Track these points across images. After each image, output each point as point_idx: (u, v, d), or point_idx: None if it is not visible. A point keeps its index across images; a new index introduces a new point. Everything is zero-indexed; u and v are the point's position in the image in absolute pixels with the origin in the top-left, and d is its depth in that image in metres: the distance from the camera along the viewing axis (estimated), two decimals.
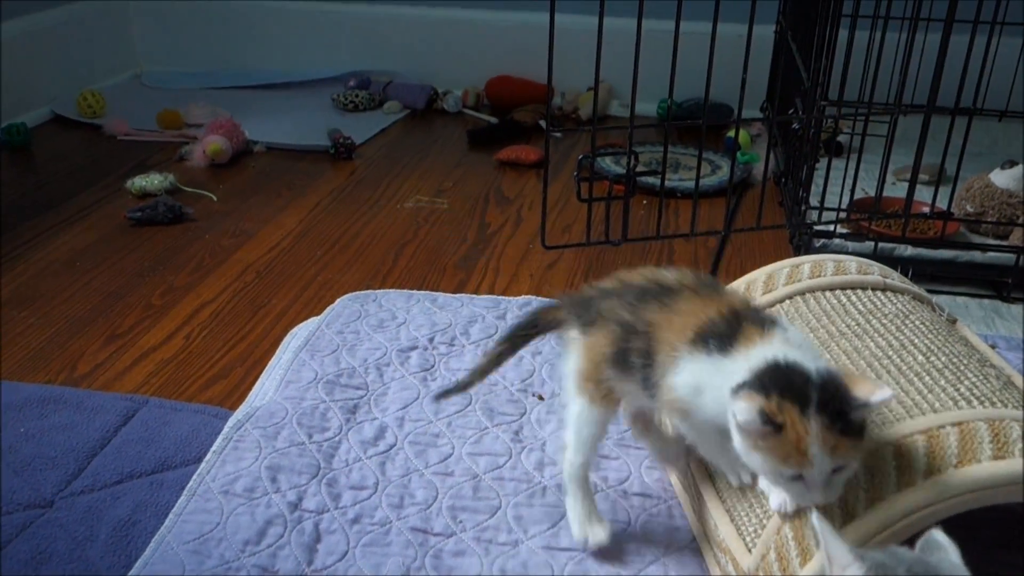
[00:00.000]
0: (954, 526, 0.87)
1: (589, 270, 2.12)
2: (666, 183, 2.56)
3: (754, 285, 1.32)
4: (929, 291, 2.07)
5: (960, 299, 2.02)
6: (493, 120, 3.16)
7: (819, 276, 1.29)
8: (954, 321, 1.31)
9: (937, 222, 2.09)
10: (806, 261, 1.33)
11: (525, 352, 1.68)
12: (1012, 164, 2.22)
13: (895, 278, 1.32)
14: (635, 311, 1.08)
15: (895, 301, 1.25)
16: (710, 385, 0.98)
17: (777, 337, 0.99)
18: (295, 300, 1.97)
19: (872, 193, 2.03)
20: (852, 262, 1.33)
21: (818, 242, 2.10)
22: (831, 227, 2.07)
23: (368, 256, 2.18)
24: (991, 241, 2.12)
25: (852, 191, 2.10)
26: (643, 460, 1.41)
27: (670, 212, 2.46)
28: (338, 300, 1.86)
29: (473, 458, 1.41)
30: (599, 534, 1.19)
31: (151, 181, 2.50)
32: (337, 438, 1.44)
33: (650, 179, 2.61)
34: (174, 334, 1.84)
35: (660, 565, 1.21)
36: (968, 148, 1.93)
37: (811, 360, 0.95)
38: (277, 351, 1.71)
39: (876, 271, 1.31)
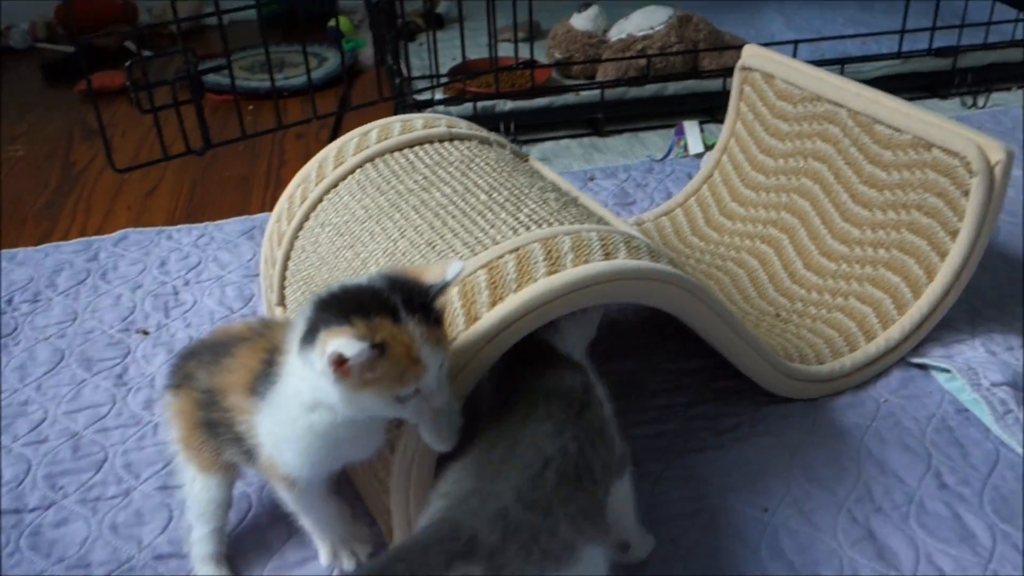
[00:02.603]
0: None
1: (194, 189, 1.96)
2: (264, 85, 2.43)
3: (325, 163, 1.26)
4: (532, 140, 2.16)
5: (563, 142, 2.10)
6: (69, 49, 2.82)
7: (387, 139, 1.25)
8: (526, 158, 1.33)
9: (530, 73, 2.14)
10: (374, 127, 1.28)
11: (123, 288, 1.53)
12: (587, 6, 2.32)
13: (463, 127, 1.31)
14: (210, 374, 0.94)
15: (461, 148, 1.24)
16: (289, 425, 0.86)
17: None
18: None
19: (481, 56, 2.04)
20: (419, 119, 1.30)
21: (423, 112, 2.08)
22: (430, 95, 2.06)
23: None
24: (582, 82, 2.21)
25: (435, 57, 2.08)
26: None
27: (281, 111, 2.33)
28: None
29: (71, 416, 1.26)
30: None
31: None
32: None
33: (247, 80, 2.46)
34: None
35: None
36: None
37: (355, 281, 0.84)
38: None
39: (443, 123, 1.29)
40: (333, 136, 2.10)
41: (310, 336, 0.79)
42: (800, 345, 1.27)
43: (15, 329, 1.44)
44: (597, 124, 2.11)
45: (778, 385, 1.19)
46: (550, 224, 1.03)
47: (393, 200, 1.13)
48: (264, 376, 0.88)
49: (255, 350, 0.91)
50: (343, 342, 0.74)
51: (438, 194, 1.12)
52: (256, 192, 1.93)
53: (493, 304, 0.92)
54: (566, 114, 2.12)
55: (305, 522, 0.99)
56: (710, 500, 1.09)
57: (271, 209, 1.79)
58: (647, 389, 1.27)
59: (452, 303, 0.94)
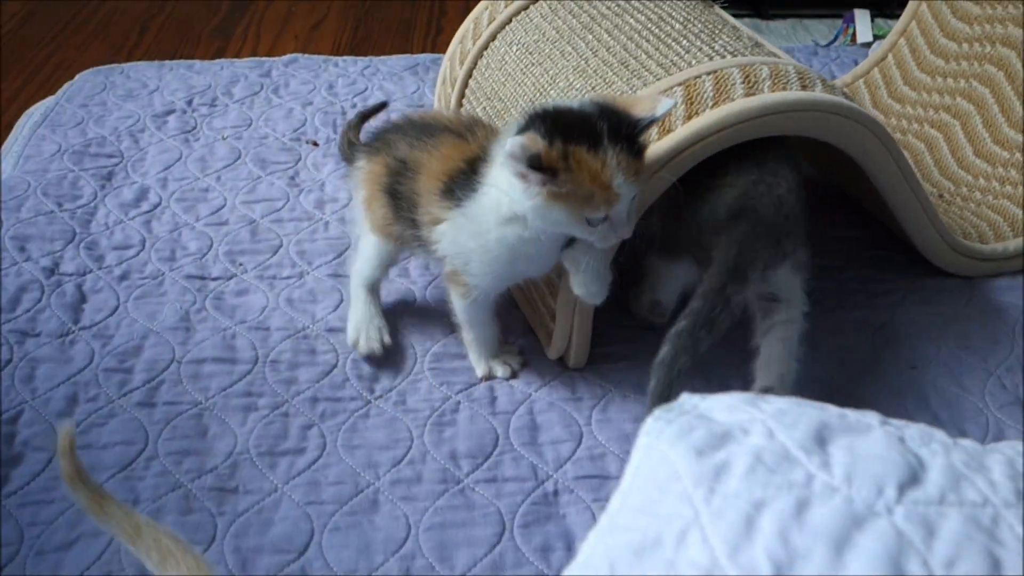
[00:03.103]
0: None
1: (358, 27, 2.01)
2: None
3: None
4: None
5: None
6: None
7: None
8: (712, 5, 1.32)
9: None
10: None
11: (294, 104, 1.60)
12: None
13: None
14: (410, 147, 0.99)
15: None
16: (481, 236, 0.91)
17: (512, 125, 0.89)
18: (27, 83, 1.76)
19: None
20: None
21: None
22: None
23: (108, 33, 1.96)
24: None
25: None
26: None
27: None
28: (77, 76, 1.68)
29: (248, 206, 1.34)
30: (372, 343, 1.07)
31: None
32: (92, 204, 1.32)
33: None
34: None
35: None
36: None
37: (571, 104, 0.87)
38: (12, 132, 1.52)
39: None
40: None
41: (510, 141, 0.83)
42: (963, 224, 1.26)
43: (195, 127, 1.53)
44: (760, 6, 2.07)
45: (940, 255, 1.18)
46: (745, 56, 1.03)
47: (585, 23, 1.15)
48: (464, 182, 0.92)
49: (458, 147, 0.95)
50: (518, 140, 0.79)
51: (632, 20, 1.13)
52: (418, 36, 1.97)
53: (689, 118, 0.94)
54: None
55: (467, 335, 1.06)
56: (858, 352, 1.10)
57: (434, 51, 1.84)
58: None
59: None
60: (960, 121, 1.40)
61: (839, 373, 1.07)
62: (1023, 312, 1.16)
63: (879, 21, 1.94)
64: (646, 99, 0.87)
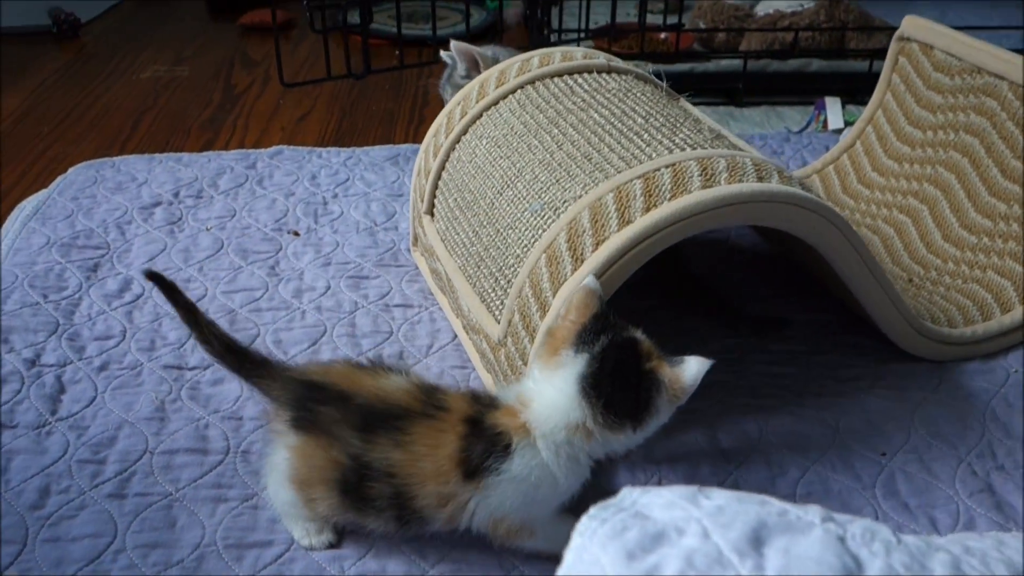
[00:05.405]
0: None
1: (342, 120, 2.06)
2: (412, 32, 2.52)
3: (487, 82, 1.32)
4: None
5: (699, 108, 2.12)
6: None
7: (548, 65, 1.31)
8: (678, 98, 1.36)
9: (673, 40, 2.17)
10: (535, 54, 1.34)
11: (278, 194, 1.64)
12: None
13: (619, 63, 1.35)
14: (364, 442, 0.86)
15: (618, 80, 1.29)
16: (533, 490, 0.88)
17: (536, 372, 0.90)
18: (22, 177, 1.80)
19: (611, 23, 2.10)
20: (579, 51, 1.35)
21: None
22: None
23: (103, 127, 2.02)
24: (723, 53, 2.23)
25: (587, 18, 2.16)
26: (403, 276, 1.41)
27: (423, 56, 2.41)
28: (70, 169, 1.72)
29: (228, 295, 1.36)
30: (323, 537, 0.96)
31: None
32: (77, 295, 1.34)
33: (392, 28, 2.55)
34: None
35: (423, 365, 1.23)
36: None
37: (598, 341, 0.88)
38: (4, 225, 1.56)
39: (601, 57, 1.34)
40: None
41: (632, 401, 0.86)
42: (932, 309, 1.27)
43: (180, 219, 1.56)
44: (735, 94, 2.13)
45: (906, 339, 1.20)
46: (704, 148, 1.07)
47: (552, 117, 1.19)
48: (482, 458, 0.86)
49: (435, 429, 0.87)
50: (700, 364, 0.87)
51: (596, 115, 1.17)
52: (400, 125, 2.03)
53: (647, 210, 0.97)
54: (705, 82, 2.13)
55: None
56: (825, 438, 1.11)
57: (415, 141, 1.89)
58: (768, 335, 1.30)
59: (607, 206, 0.99)
60: (928, 206, 1.43)
61: (805, 458, 1.08)
62: (993, 397, 1.17)
63: (850, 107, 1.99)
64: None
